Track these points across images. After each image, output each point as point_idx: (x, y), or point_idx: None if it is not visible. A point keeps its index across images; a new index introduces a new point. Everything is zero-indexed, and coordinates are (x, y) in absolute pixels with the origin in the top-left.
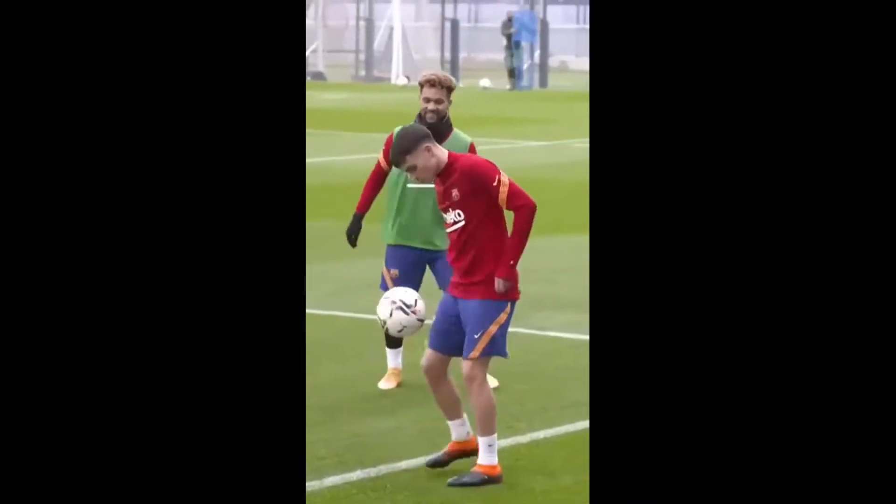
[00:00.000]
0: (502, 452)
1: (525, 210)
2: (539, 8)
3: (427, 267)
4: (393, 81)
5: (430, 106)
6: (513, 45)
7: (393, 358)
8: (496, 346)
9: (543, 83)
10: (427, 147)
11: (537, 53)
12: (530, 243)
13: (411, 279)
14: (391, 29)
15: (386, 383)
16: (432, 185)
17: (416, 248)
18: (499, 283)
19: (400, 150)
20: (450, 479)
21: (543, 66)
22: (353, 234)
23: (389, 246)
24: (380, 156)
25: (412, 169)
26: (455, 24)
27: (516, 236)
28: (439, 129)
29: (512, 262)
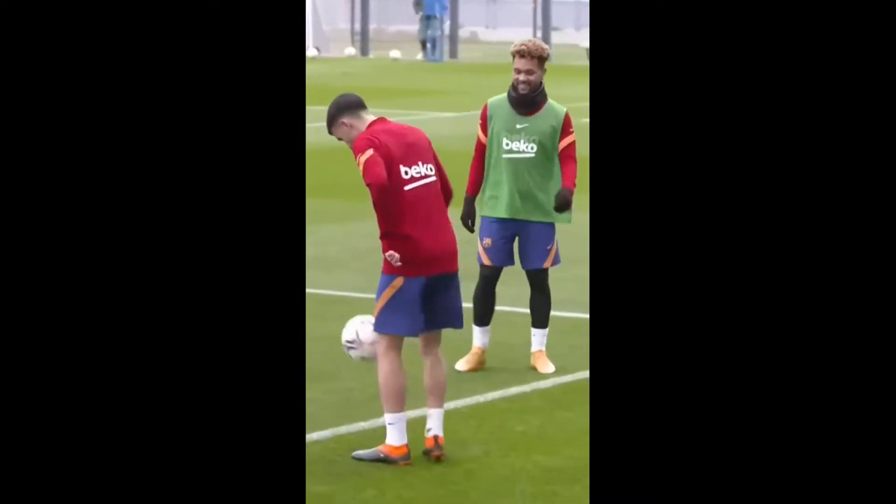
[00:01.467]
0: (414, 423)
1: (371, 189)
2: None
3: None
4: None
5: (522, 77)
6: (425, 18)
7: (480, 336)
8: (384, 321)
9: (454, 55)
10: (342, 122)
11: (447, 24)
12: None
13: (502, 250)
14: None
15: (463, 364)
16: (530, 155)
17: (506, 220)
18: (387, 257)
19: (326, 123)
20: (354, 452)
21: (454, 38)
22: (468, 219)
23: (483, 217)
24: (479, 132)
25: (340, 140)
26: None
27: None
28: (533, 99)
29: (379, 235)
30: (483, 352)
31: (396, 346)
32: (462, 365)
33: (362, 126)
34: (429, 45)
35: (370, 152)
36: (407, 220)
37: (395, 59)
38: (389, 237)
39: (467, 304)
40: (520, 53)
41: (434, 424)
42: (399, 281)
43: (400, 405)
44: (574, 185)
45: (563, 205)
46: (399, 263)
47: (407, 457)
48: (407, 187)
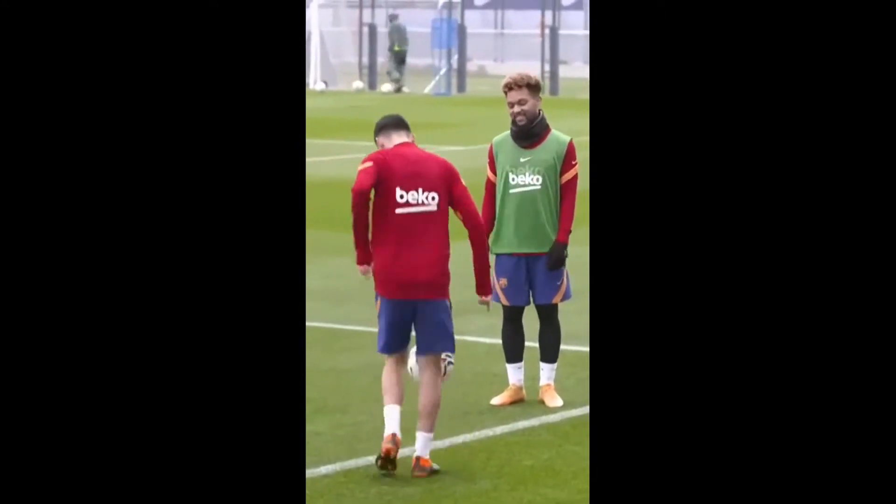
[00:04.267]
0: (435, 455)
1: (352, 194)
2: (457, 13)
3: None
4: (311, 87)
5: (516, 108)
6: (394, 53)
7: (513, 373)
8: (378, 336)
9: (462, 88)
10: (377, 140)
11: (455, 58)
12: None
13: (520, 290)
14: (309, 34)
15: (498, 398)
16: (536, 187)
17: (518, 257)
18: None
19: None
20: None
21: (462, 71)
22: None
23: (496, 255)
24: (487, 171)
25: None
26: (373, 29)
27: None
28: (533, 129)
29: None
30: (519, 388)
31: (391, 360)
32: (496, 399)
33: (389, 145)
34: (391, 82)
35: (368, 164)
36: (389, 240)
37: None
38: (375, 252)
39: (479, 339)
40: (508, 87)
41: (417, 446)
42: (379, 301)
43: (388, 398)
44: (567, 236)
45: (556, 263)
46: (367, 276)
47: (385, 452)
48: (398, 210)
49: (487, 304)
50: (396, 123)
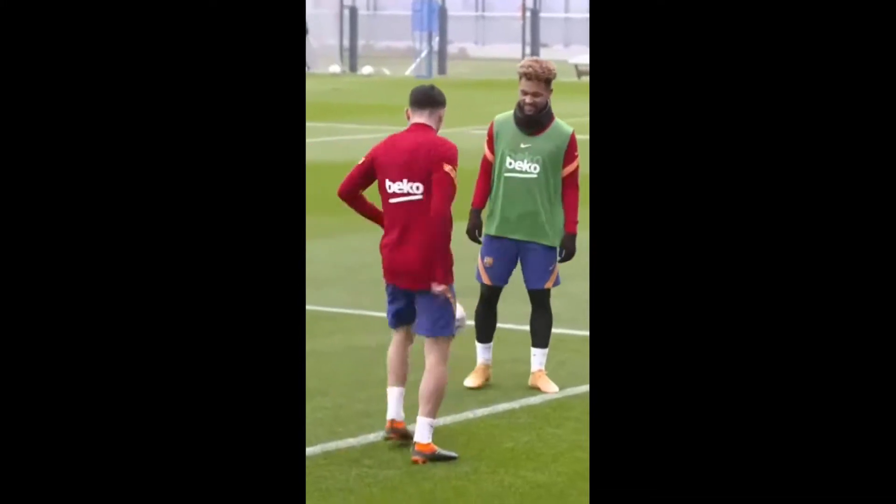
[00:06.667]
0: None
1: None
2: None
3: (518, 259)
4: None
5: (528, 99)
6: None
7: (483, 352)
8: None
9: (442, 70)
10: (406, 112)
11: (436, 40)
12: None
13: (504, 270)
14: None
15: (471, 380)
16: (532, 175)
17: (506, 240)
18: None
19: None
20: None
21: (442, 54)
22: (474, 230)
23: (487, 236)
24: (485, 148)
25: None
26: (354, 11)
27: None
28: (538, 119)
29: None
30: (488, 367)
31: (397, 337)
32: (470, 381)
33: (413, 119)
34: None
35: (362, 160)
36: (388, 227)
37: (369, 75)
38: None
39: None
40: (527, 76)
41: (416, 431)
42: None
43: (390, 378)
44: (576, 227)
45: (570, 255)
46: None
47: (385, 439)
48: (390, 200)
49: (443, 292)
50: (418, 101)
